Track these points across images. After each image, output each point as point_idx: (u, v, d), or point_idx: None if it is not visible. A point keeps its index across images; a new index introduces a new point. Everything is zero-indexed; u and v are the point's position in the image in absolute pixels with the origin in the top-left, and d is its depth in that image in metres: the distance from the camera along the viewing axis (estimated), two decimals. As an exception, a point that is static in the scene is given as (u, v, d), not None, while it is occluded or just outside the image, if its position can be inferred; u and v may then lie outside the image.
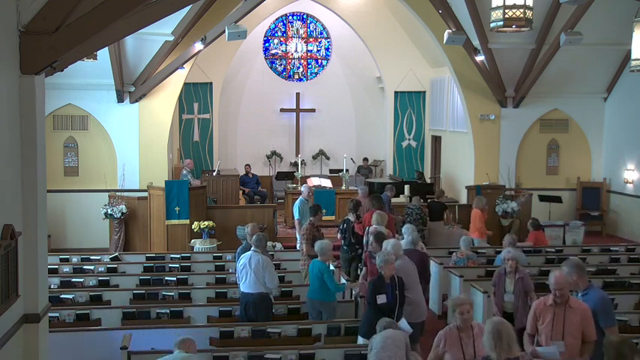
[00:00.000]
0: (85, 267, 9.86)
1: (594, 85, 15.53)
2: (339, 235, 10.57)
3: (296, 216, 11.29)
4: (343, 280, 8.50)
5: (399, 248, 7.34)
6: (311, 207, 9.94)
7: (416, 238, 8.35)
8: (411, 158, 19.71)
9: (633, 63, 10.64)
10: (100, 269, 9.78)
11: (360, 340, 6.52)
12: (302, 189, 11.72)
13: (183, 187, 12.32)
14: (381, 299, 6.31)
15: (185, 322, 7.49)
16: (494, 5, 9.56)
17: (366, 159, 19.67)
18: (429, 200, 13.86)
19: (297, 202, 11.39)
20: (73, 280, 9.00)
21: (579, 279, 5.55)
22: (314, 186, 14.97)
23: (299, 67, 21.02)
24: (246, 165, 17.79)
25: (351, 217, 10.22)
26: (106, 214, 12.85)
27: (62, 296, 8.09)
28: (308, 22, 20.94)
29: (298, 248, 10.79)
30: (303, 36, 20.99)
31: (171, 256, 10.52)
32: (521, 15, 9.38)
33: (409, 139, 19.70)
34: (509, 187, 14.76)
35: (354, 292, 8.15)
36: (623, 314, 7.49)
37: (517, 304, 7.10)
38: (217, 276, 9.41)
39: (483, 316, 8.08)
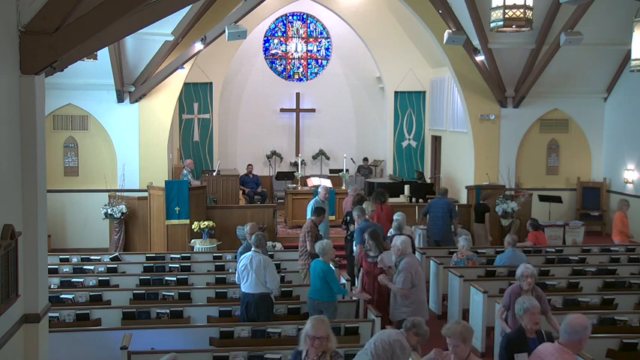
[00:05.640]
0: (85, 267, 9.86)
1: (594, 85, 15.51)
2: (343, 226, 10.82)
3: (308, 216, 11.11)
4: (343, 280, 8.51)
5: (407, 245, 7.32)
6: (316, 208, 9.82)
7: (401, 223, 8.78)
8: (411, 158, 19.70)
9: (633, 63, 10.63)
10: (100, 269, 9.78)
11: None
12: (319, 190, 11.41)
13: (183, 187, 12.32)
14: (522, 358, 5.13)
15: (185, 322, 7.49)
16: (494, 5, 9.56)
17: (366, 159, 19.66)
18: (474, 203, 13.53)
19: (312, 202, 11.03)
20: (73, 280, 9.00)
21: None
22: (313, 186, 14.92)
23: (299, 67, 21.00)
24: (249, 165, 17.72)
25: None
26: (106, 214, 12.85)
27: (62, 296, 8.09)
28: (308, 22, 20.93)
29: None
30: (303, 36, 20.98)
31: (172, 256, 10.52)
32: (521, 15, 9.39)
33: (409, 139, 19.70)
34: (509, 187, 14.75)
35: (353, 291, 8.16)
36: (623, 314, 7.48)
37: None
38: (217, 276, 9.40)
39: (483, 317, 8.09)
